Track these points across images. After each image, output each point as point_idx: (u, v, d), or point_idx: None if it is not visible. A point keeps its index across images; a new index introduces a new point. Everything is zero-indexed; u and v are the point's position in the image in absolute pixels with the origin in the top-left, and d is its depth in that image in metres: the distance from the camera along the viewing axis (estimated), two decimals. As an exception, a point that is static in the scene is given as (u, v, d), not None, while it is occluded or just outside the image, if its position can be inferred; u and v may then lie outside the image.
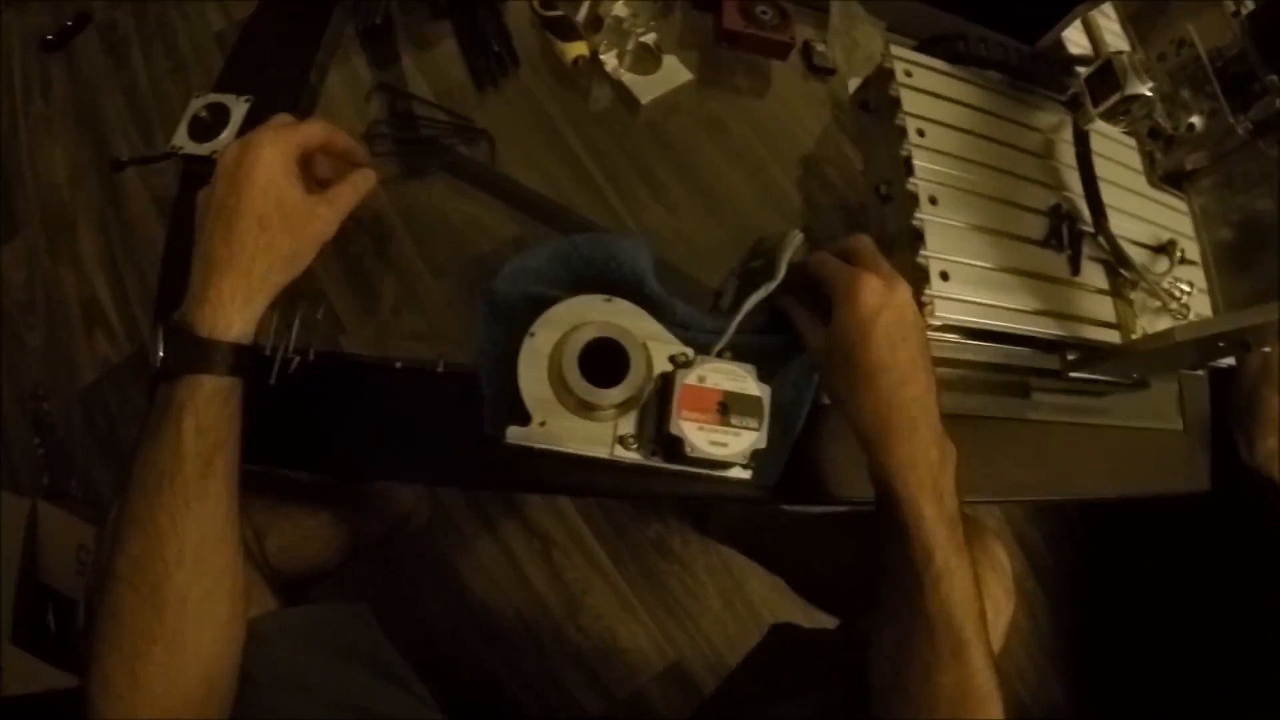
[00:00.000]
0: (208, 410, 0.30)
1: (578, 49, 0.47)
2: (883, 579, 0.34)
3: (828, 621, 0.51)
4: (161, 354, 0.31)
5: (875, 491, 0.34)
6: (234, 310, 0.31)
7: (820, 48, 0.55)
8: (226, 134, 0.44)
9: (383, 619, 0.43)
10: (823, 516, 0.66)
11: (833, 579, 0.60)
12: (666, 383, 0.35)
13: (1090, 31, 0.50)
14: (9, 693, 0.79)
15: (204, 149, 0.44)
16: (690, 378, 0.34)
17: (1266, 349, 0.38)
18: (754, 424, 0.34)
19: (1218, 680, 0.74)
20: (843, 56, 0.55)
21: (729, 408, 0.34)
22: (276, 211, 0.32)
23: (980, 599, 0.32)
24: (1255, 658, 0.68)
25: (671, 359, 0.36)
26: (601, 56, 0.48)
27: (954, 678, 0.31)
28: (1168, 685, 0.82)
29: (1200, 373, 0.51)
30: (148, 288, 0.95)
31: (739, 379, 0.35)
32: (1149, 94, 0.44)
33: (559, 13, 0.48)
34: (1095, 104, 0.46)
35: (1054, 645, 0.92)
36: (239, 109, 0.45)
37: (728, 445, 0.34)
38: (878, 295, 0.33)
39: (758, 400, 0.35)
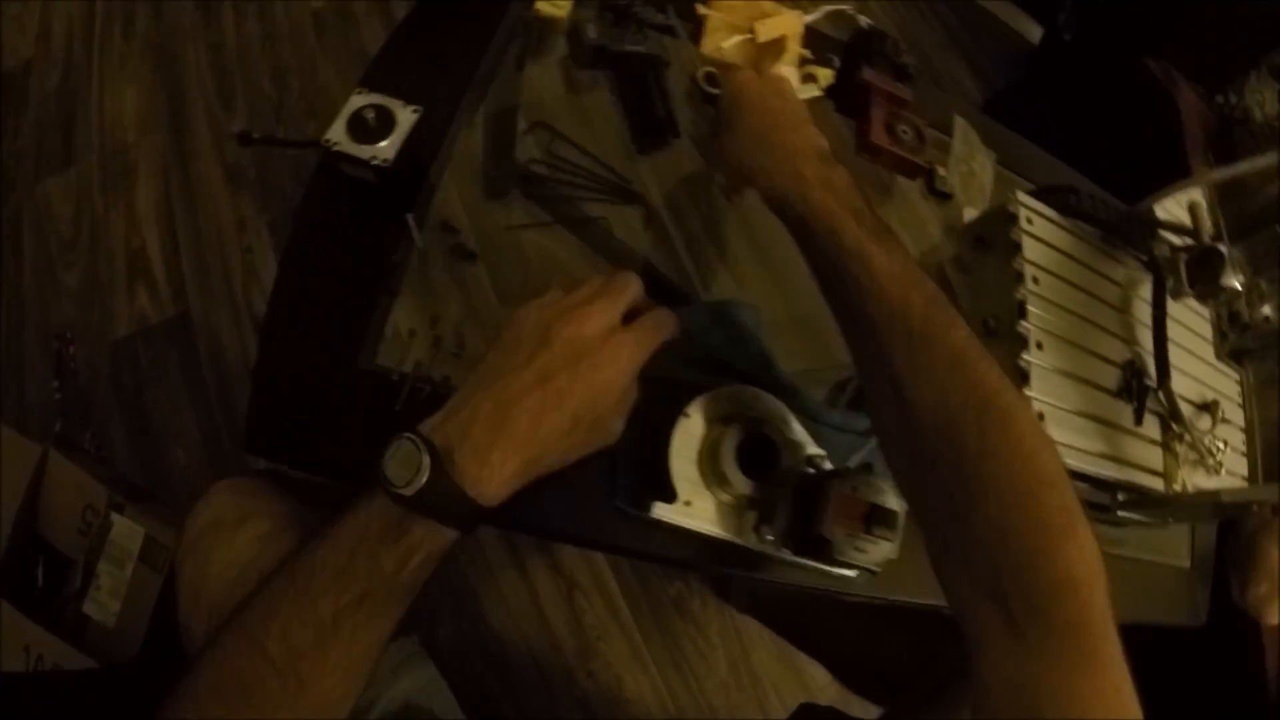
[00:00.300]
0: (432, 558, 0.28)
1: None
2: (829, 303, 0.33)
3: (832, 694, 0.52)
4: (423, 482, 0.27)
5: (794, 222, 0.35)
6: (507, 487, 0.28)
7: (942, 172, 0.57)
8: (389, 142, 0.41)
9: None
10: (864, 603, 0.67)
11: (874, 667, 0.61)
12: (812, 484, 0.37)
13: (1195, 215, 0.53)
14: None
15: (362, 152, 0.41)
16: (845, 487, 0.36)
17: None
18: (891, 535, 0.36)
19: None
20: (959, 184, 0.58)
21: (872, 518, 0.36)
22: (602, 417, 0.29)
23: (918, 277, 0.30)
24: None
25: (809, 459, 0.38)
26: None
27: (925, 389, 0.28)
28: None
29: (1215, 521, 0.55)
30: (202, 251, 0.93)
31: (880, 492, 0.37)
32: (1238, 286, 0.48)
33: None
34: (1191, 283, 0.50)
35: None
36: (406, 118, 0.42)
37: (867, 553, 0.36)
38: (750, 74, 0.40)
39: (896, 514, 0.37)
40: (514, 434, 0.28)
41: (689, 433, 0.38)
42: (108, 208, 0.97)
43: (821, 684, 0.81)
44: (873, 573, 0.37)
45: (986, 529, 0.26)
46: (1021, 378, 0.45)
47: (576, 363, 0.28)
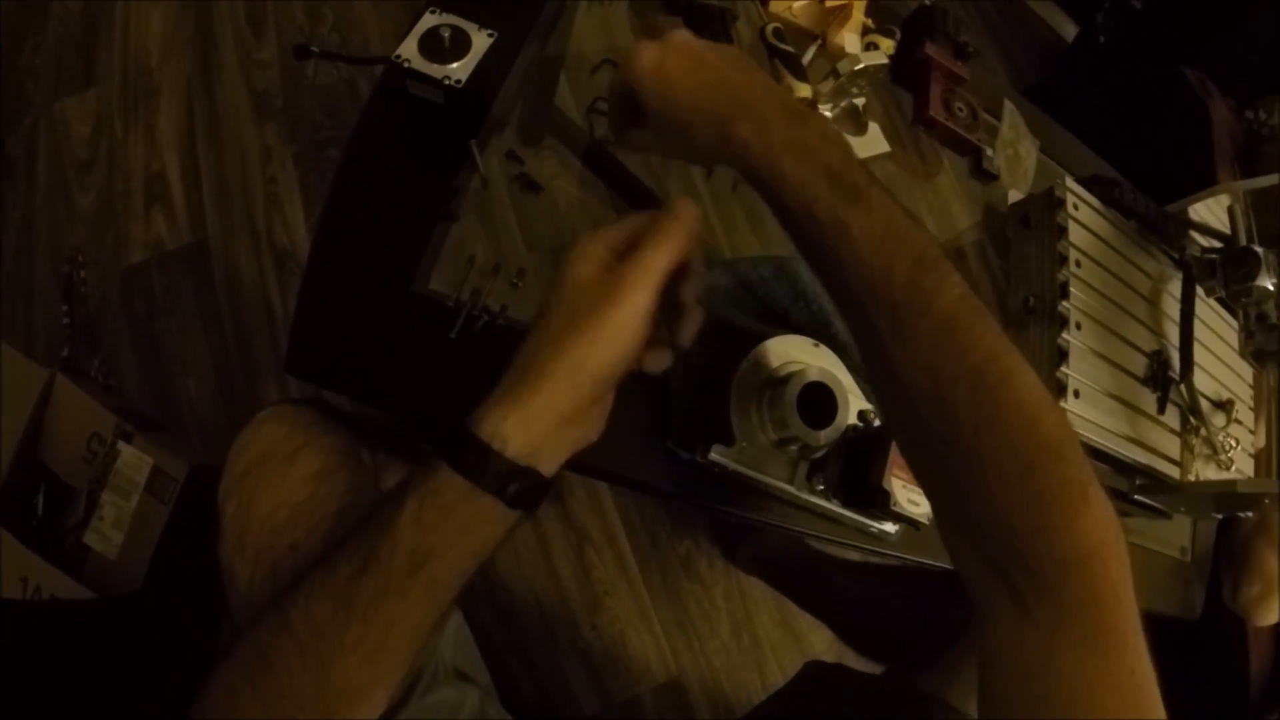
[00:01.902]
0: (431, 504, 0.26)
1: (802, 91, 0.48)
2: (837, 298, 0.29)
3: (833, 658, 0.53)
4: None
5: (769, 193, 0.28)
6: (498, 407, 0.26)
7: (989, 153, 0.58)
8: (461, 64, 0.40)
9: None
10: (861, 560, 0.68)
11: (879, 627, 0.63)
12: (866, 436, 0.38)
13: (1233, 219, 0.54)
14: None
15: (435, 71, 0.39)
16: None
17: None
18: None
19: None
20: (1005, 166, 0.59)
21: None
22: (555, 297, 0.27)
23: (907, 236, 0.26)
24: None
25: (860, 413, 0.38)
26: (820, 106, 0.50)
27: (914, 360, 0.25)
28: None
29: (1218, 516, 0.57)
30: (224, 179, 0.91)
31: None
32: (1270, 288, 0.50)
33: (790, 49, 0.49)
34: (1226, 282, 0.52)
35: None
36: (481, 41, 0.41)
37: (919, 505, 0.37)
38: (650, 48, 0.30)
39: None
40: (532, 374, 0.27)
41: (750, 379, 0.38)
42: (127, 130, 0.94)
43: (820, 651, 0.83)
44: (916, 526, 0.38)
45: (987, 506, 0.24)
46: (1060, 355, 0.47)
47: (591, 308, 0.26)
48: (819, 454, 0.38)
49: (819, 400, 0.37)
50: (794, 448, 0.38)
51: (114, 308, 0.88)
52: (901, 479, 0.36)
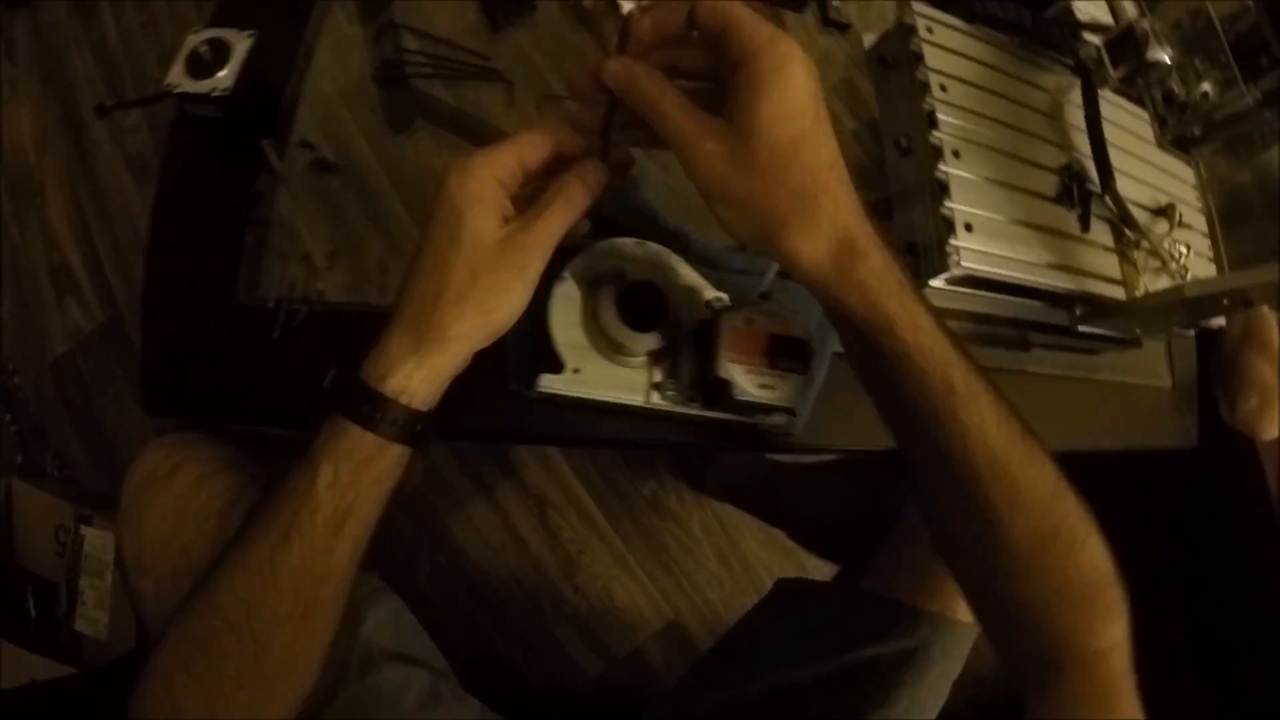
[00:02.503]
0: (346, 465, 0.26)
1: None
2: (904, 446, 0.29)
3: (826, 571, 0.51)
4: (331, 377, 0.28)
5: (850, 338, 0.28)
6: (400, 362, 0.26)
7: (835, 2, 0.54)
8: (226, 71, 0.41)
9: None
10: (816, 463, 0.66)
11: (830, 525, 0.60)
12: (706, 327, 0.34)
13: (1112, 5, 0.50)
14: None
15: (202, 87, 0.40)
16: (737, 320, 0.33)
17: (1263, 308, 0.39)
18: (800, 366, 0.34)
19: (1194, 637, 0.76)
20: (857, 12, 0.54)
21: (775, 350, 0.34)
22: (451, 248, 0.26)
23: (1014, 411, 0.27)
24: (1230, 613, 0.70)
25: (708, 304, 0.35)
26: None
27: (1024, 526, 0.26)
28: (1143, 644, 0.85)
29: (1190, 333, 0.53)
30: (121, 250, 0.91)
31: (785, 321, 0.34)
32: (1167, 61, 0.46)
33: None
34: (1115, 67, 0.47)
35: None
36: (241, 44, 0.41)
37: (775, 389, 0.33)
38: (807, 66, 0.25)
39: (804, 343, 0.34)
40: (401, 306, 0.27)
41: (568, 297, 0.35)
42: (23, 232, 0.95)
43: (817, 560, 0.80)
44: (789, 412, 0.35)
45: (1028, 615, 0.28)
46: (940, 189, 0.42)
47: (432, 215, 0.27)
48: (669, 359, 0.35)
49: (647, 301, 0.34)
50: (640, 358, 0.35)
51: (52, 401, 0.90)
52: (744, 364, 0.33)
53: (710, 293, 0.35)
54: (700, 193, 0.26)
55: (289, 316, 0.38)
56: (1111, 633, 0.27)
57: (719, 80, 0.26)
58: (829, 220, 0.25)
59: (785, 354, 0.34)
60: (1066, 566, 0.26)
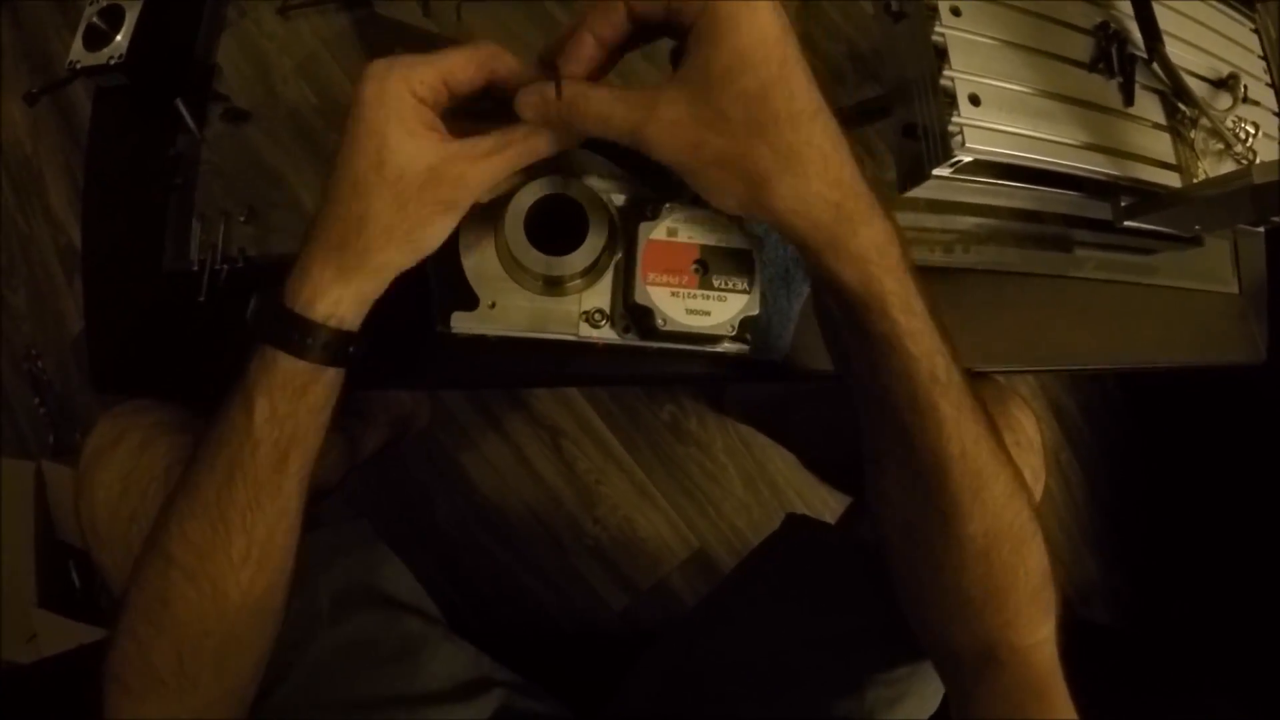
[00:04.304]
0: (283, 396, 0.25)
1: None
2: (868, 417, 0.27)
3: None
4: (252, 308, 0.27)
5: (835, 306, 0.25)
6: (326, 288, 0.25)
7: None
8: (121, 37, 0.38)
9: (392, 529, 0.39)
10: (830, 387, 0.61)
11: (837, 453, 0.56)
12: (634, 242, 0.29)
13: None
14: (46, 654, 0.79)
15: (100, 57, 0.38)
16: (658, 231, 0.28)
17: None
18: (743, 284, 0.28)
19: (1256, 558, 0.69)
20: None
21: (709, 266, 0.28)
22: (375, 174, 0.24)
23: (994, 423, 0.26)
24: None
25: (625, 211, 0.29)
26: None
27: (980, 523, 0.25)
28: (1205, 562, 0.78)
29: (1259, 229, 0.44)
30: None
31: (722, 229, 0.29)
32: None
33: None
34: None
35: (1088, 519, 0.87)
36: (133, 8, 0.39)
37: (710, 314, 0.28)
38: (768, 6, 0.22)
39: (746, 254, 0.29)
40: (318, 227, 0.25)
41: (479, 221, 0.30)
42: (29, 220, 0.97)
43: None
44: (740, 339, 0.29)
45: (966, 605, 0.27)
46: (938, 54, 0.35)
47: (344, 127, 0.25)
48: (603, 280, 0.30)
49: (565, 217, 0.29)
50: (571, 282, 0.30)
51: (75, 379, 0.91)
52: (669, 284, 0.28)
53: (624, 199, 0.30)
54: (677, 170, 0.24)
55: (212, 278, 0.37)
56: (1047, 627, 0.28)
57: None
58: (819, 177, 0.23)
59: (723, 270, 0.28)
60: (1016, 562, 0.26)
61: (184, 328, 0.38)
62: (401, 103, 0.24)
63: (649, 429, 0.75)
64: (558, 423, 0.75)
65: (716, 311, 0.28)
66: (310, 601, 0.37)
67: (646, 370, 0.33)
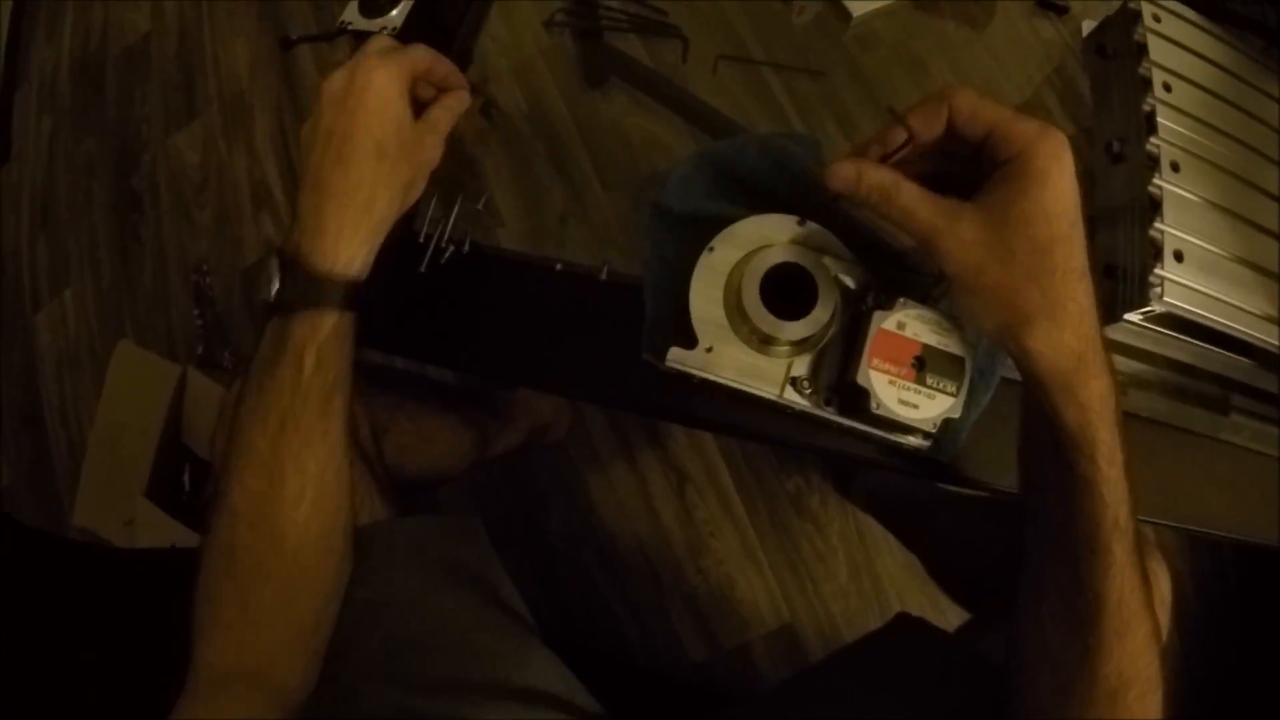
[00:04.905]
0: (328, 348, 0.29)
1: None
2: (1041, 542, 0.29)
3: (954, 616, 0.46)
4: (277, 287, 0.30)
5: (1045, 438, 0.27)
6: (355, 245, 0.30)
7: None
8: (398, 11, 0.42)
9: (505, 529, 0.40)
10: (973, 498, 0.60)
11: (968, 568, 0.55)
12: (857, 325, 0.31)
13: None
14: (140, 544, 0.85)
15: (374, 24, 0.42)
16: (889, 322, 0.30)
17: None
18: (952, 387, 0.30)
19: None
20: None
21: (926, 364, 0.30)
22: (395, 138, 0.30)
23: (1148, 575, 0.28)
24: None
25: (864, 298, 0.31)
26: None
27: (1117, 664, 0.26)
28: None
29: None
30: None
31: (945, 332, 0.30)
32: None
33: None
34: None
35: (1173, 690, 0.83)
36: None
37: (918, 408, 0.29)
38: (1074, 167, 0.24)
39: (961, 361, 0.30)
40: (334, 193, 0.29)
41: (714, 269, 0.32)
42: (230, 149, 1.04)
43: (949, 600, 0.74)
44: (930, 436, 0.31)
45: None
46: (1153, 206, 0.36)
47: (345, 105, 0.29)
48: (815, 354, 0.32)
49: (795, 285, 0.31)
50: (783, 346, 0.32)
51: (237, 305, 0.98)
52: (888, 373, 0.29)
53: (852, 283, 0.31)
54: (951, 277, 0.26)
55: (436, 253, 0.39)
56: None
57: (958, 166, 0.27)
58: (1073, 329, 0.25)
59: (938, 370, 0.30)
60: (1139, 709, 0.27)
61: (396, 292, 0.39)
62: (400, 84, 0.30)
63: (772, 495, 0.76)
64: (687, 468, 0.76)
65: (924, 407, 0.30)
66: (409, 575, 0.37)
67: (822, 443, 0.35)
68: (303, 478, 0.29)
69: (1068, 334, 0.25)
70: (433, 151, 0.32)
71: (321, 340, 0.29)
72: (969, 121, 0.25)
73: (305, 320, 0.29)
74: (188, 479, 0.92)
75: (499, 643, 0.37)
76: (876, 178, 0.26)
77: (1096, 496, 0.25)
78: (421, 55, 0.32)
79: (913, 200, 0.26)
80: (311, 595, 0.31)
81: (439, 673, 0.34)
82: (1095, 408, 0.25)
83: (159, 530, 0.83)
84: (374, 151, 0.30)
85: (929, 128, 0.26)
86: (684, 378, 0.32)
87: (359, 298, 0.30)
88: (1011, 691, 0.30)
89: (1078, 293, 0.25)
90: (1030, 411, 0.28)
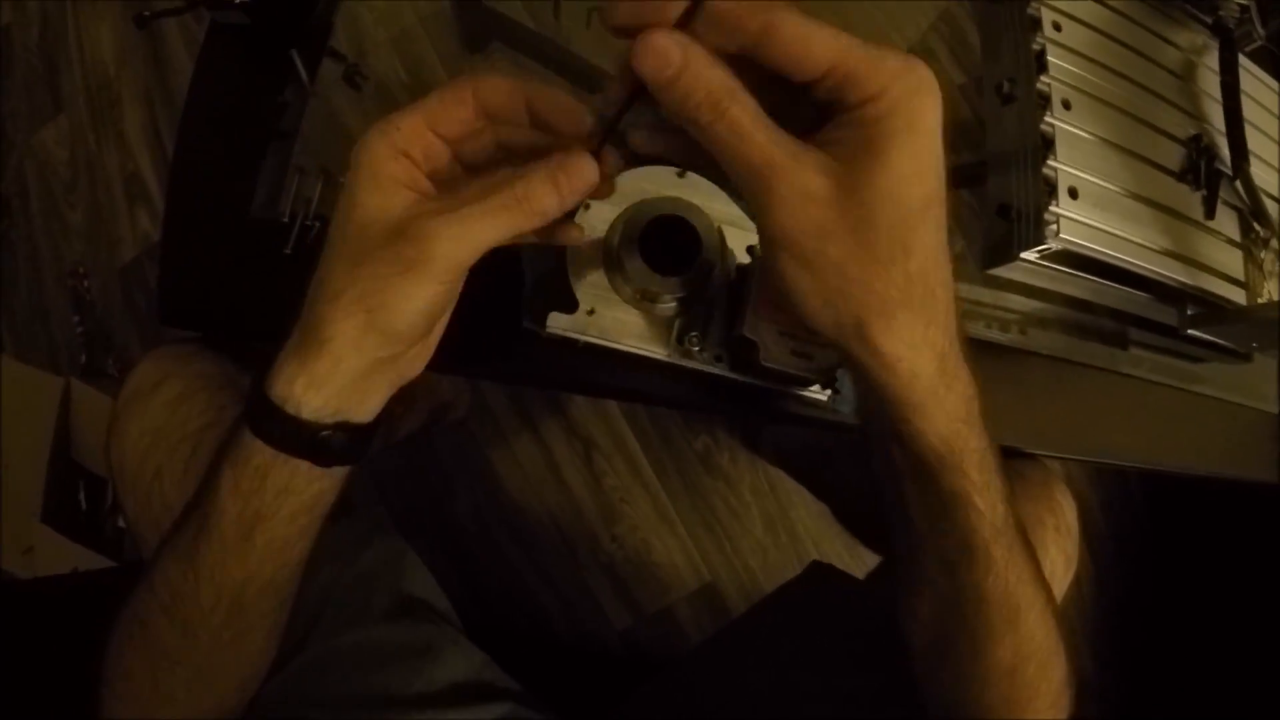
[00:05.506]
0: (244, 471, 0.24)
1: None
2: (914, 550, 0.26)
3: (871, 560, 0.46)
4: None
5: (900, 461, 0.23)
6: (284, 368, 0.23)
7: None
8: None
9: (412, 512, 0.38)
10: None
11: (874, 511, 0.56)
12: (744, 277, 0.30)
13: None
14: (41, 572, 0.79)
15: None
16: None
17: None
18: None
19: (1252, 676, 0.69)
20: None
21: None
22: (337, 233, 0.21)
23: (1033, 549, 0.26)
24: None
25: (750, 249, 0.30)
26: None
27: (1011, 645, 0.26)
28: (1199, 674, 0.78)
29: None
30: (190, 167, 0.93)
31: None
32: None
33: None
34: (1264, 23, 0.40)
35: (1093, 617, 0.87)
36: None
37: (813, 359, 0.28)
38: (940, 100, 0.18)
39: None
40: (305, 310, 0.23)
41: (590, 227, 0.30)
42: (100, 142, 0.97)
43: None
44: (829, 386, 0.30)
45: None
46: (1045, 144, 0.36)
47: (371, 282, 0.21)
48: (699, 307, 0.30)
49: (677, 240, 0.30)
50: (666, 304, 0.30)
51: (118, 306, 0.93)
52: (779, 324, 0.28)
53: (754, 236, 0.31)
54: (774, 240, 0.19)
55: (302, 233, 0.36)
56: None
57: (796, 103, 0.18)
58: (938, 323, 0.19)
59: None
60: (1040, 679, 0.27)
61: (264, 277, 0.37)
62: (376, 158, 0.21)
63: (680, 456, 0.75)
64: (593, 435, 0.75)
65: (820, 357, 0.29)
66: (325, 590, 0.36)
67: (720, 402, 0.33)
68: (218, 593, 0.25)
69: (934, 329, 0.19)
70: (422, 246, 0.20)
71: (240, 460, 0.24)
72: (799, 59, 0.17)
73: (238, 434, 0.24)
74: (83, 497, 0.87)
75: (407, 648, 0.36)
76: (709, 74, 0.17)
77: (970, 508, 0.22)
78: (429, 102, 0.21)
79: (751, 118, 0.17)
80: (225, 682, 0.29)
81: (349, 690, 0.33)
82: (962, 415, 0.21)
83: (60, 554, 0.79)
84: (321, 259, 0.22)
85: (751, 20, 0.17)
86: (569, 344, 0.31)
87: (313, 444, 0.23)
88: (917, 679, 0.30)
89: (947, 276, 0.19)
90: (877, 433, 0.23)
